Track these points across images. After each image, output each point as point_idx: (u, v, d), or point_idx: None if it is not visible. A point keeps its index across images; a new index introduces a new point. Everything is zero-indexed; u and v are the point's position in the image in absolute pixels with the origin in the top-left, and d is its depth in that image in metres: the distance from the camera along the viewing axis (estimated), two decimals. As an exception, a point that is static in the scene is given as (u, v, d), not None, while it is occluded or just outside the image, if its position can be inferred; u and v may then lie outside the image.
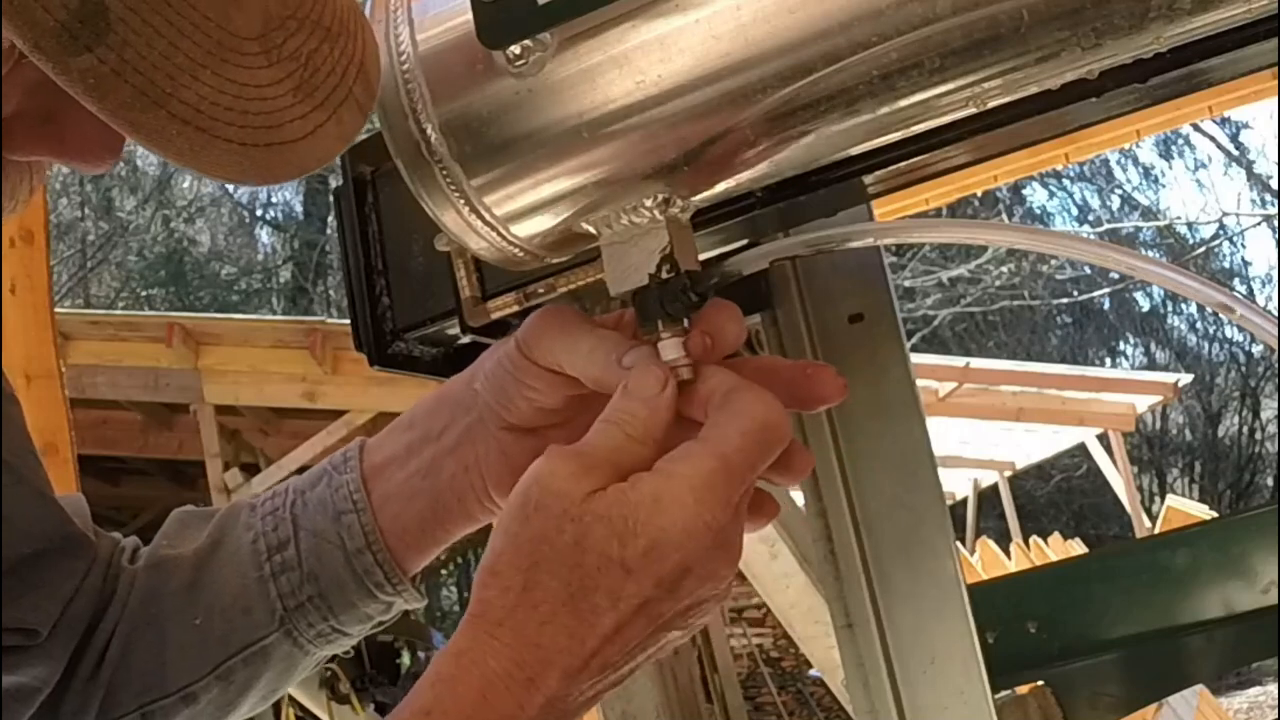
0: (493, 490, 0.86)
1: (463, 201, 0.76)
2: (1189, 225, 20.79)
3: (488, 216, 0.77)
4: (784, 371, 0.77)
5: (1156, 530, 8.55)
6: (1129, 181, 21.31)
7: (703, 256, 0.78)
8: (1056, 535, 9.43)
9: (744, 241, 0.90)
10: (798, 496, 1.12)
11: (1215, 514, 8.42)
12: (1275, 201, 19.09)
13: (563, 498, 0.66)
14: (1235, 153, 19.94)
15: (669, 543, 0.65)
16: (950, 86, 0.69)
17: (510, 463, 0.84)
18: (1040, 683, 1.15)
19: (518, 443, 0.85)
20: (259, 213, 22.16)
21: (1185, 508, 8.28)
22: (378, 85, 0.68)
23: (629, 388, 0.72)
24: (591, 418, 0.75)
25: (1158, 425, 20.01)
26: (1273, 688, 11.97)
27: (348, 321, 1.06)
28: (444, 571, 19.42)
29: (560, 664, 0.65)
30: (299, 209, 21.70)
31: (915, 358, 2.22)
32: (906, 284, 17.82)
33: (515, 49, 0.70)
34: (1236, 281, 21.06)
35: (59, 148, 0.66)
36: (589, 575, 0.65)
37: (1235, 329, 18.81)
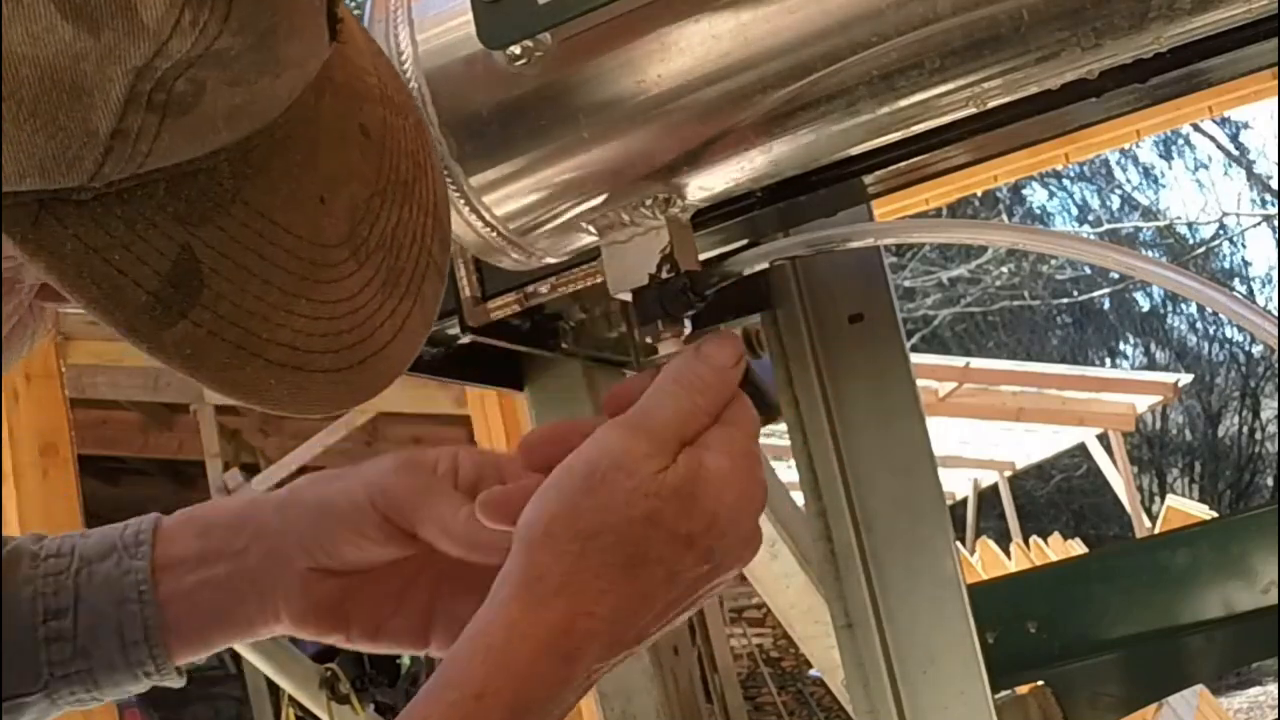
0: (289, 621, 0.82)
1: (462, 201, 0.76)
2: (1189, 225, 20.79)
3: (488, 216, 0.77)
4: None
5: (1156, 530, 8.55)
6: (1129, 181, 21.30)
7: (703, 256, 0.79)
8: (1056, 535, 9.43)
9: (744, 241, 0.90)
10: (798, 496, 1.12)
11: (1215, 514, 8.42)
12: (1275, 201, 19.09)
13: (635, 474, 0.65)
14: (1235, 153, 19.94)
15: (727, 518, 0.66)
16: (950, 86, 0.69)
17: (313, 600, 0.80)
18: (1040, 683, 1.15)
19: (322, 581, 0.80)
20: (259, 213, 22.09)
21: (1185, 508, 8.29)
22: (450, 227, 0.63)
23: (703, 353, 0.70)
24: (408, 567, 0.75)
25: (1158, 425, 20.00)
26: (1273, 688, 11.96)
27: (348, 321, 1.05)
28: (444, 571, 19.36)
29: (606, 635, 0.64)
30: (299, 209, 21.65)
31: (915, 358, 2.21)
32: (906, 284, 17.80)
33: (515, 49, 0.70)
34: (1236, 281, 21.06)
35: None
36: (653, 547, 0.64)
37: (1235, 329, 18.82)
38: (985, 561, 7.47)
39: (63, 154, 0.46)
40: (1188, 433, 21.21)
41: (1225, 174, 20.90)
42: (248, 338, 0.52)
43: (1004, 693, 1.13)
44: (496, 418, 3.35)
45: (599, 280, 0.79)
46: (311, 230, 0.54)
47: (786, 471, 1.19)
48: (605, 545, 0.64)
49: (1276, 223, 19.70)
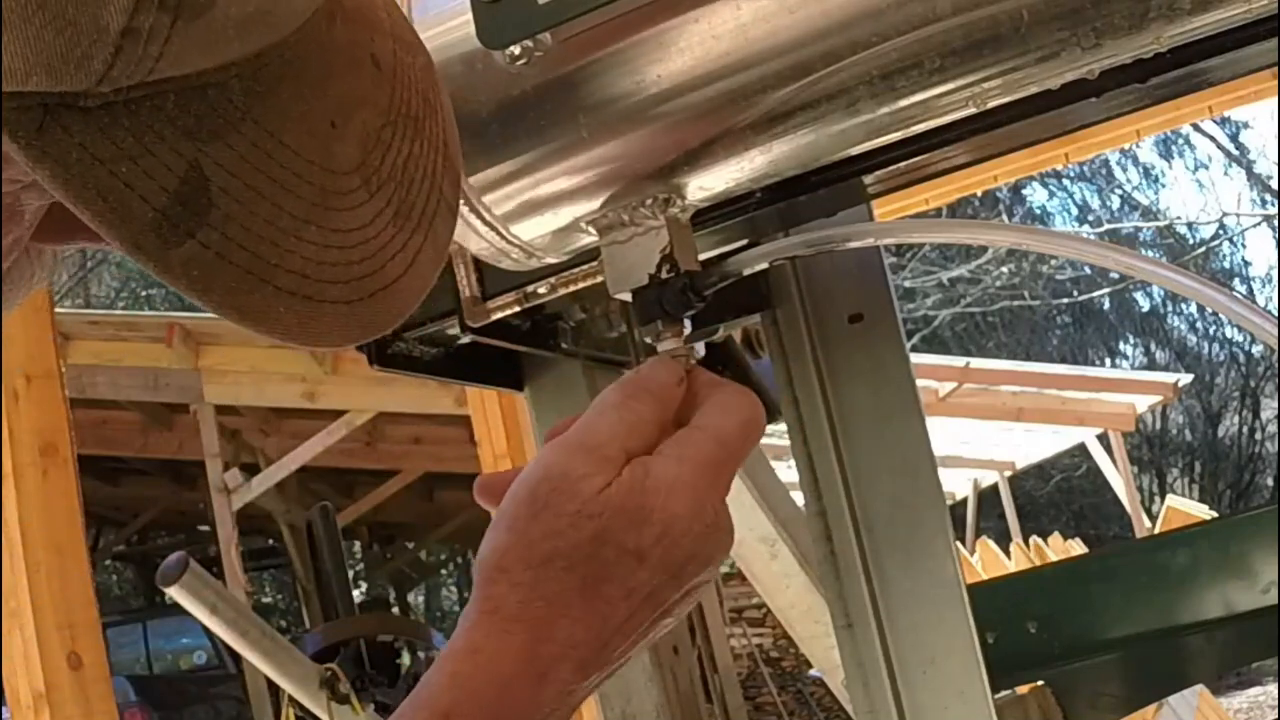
0: None
1: (462, 201, 0.76)
2: (1189, 225, 20.79)
3: (487, 216, 0.77)
4: None
5: (1156, 530, 8.55)
6: (1129, 181, 21.31)
7: (703, 256, 0.79)
8: (1056, 535, 9.42)
9: (744, 241, 0.90)
10: (798, 496, 1.12)
11: (1215, 514, 8.42)
12: (1275, 201, 19.09)
13: (576, 496, 0.65)
14: (1235, 153, 19.94)
15: (678, 528, 0.65)
16: (950, 86, 0.69)
17: None
18: (1040, 683, 1.15)
19: None
20: (259, 213, 22.08)
21: (1185, 508, 8.27)
22: (460, 164, 0.62)
23: (645, 370, 0.70)
24: None
25: (1158, 425, 20.00)
26: (1273, 688, 11.96)
27: (348, 321, 1.05)
28: (444, 571, 19.37)
29: (574, 657, 0.64)
30: (299, 209, 21.63)
31: (915, 358, 2.22)
32: (906, 284, 17.80)
33: (515, 49, 0.70)
34: (1236, 281, 21.06)
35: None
36: (604, 567, 0.64)
37: (1235, 329, 18.81)
38: (985, 561, 7.47)
39: (71, 51, 0.45)
40: (1188, 433, 21.21)
41: (1225, 174, 20.92)
42: (257, 262, 0.51)
43: (1004, 693, 1.13)
44: (496, 418, 3.35)
45: (599, 280, 0.79)
46: (323, 155, 0.53)
47: (786, 471, 1.19)
48: (558, 571, 0.64)
49: (1276, 223, 19.70)
